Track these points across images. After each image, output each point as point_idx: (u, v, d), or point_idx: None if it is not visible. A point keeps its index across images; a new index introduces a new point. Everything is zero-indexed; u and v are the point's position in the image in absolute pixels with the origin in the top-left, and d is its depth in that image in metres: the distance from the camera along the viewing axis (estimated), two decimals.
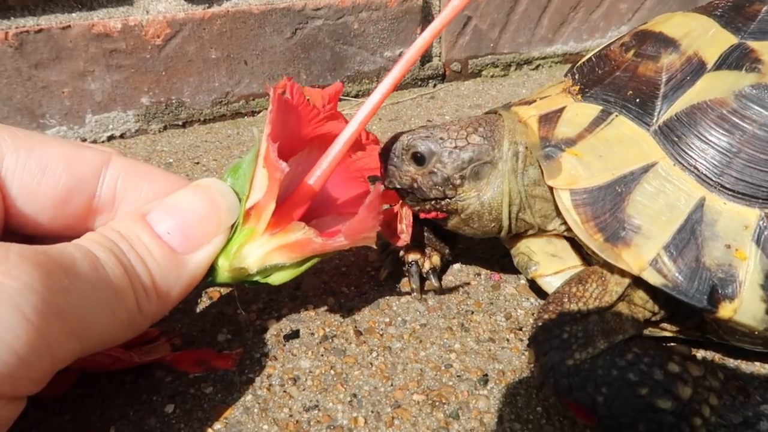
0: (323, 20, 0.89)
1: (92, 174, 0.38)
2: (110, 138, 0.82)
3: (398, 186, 0.46)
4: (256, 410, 0.40)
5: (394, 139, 0.46)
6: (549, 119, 0.45)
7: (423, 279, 0.51)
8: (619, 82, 0.44)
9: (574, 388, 0.36)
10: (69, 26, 0.74)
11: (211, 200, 0.38)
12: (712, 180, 0.39)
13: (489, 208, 0.45)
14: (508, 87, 1.04)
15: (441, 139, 0.44)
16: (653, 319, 0.42)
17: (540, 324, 0.40)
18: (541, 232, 0.47)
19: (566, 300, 0.41)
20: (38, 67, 0.74)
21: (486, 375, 0.42)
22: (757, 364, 0.43)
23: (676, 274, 0.37)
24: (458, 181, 0.44)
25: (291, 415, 0.39)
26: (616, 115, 0.43)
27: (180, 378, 0.42)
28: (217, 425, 0.39)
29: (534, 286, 0.50)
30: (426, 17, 0.98)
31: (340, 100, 0.95)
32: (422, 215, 0.46)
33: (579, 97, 0.46)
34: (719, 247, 0.37)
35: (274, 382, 0.42)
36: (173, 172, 0.72)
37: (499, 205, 0.45)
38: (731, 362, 0.44)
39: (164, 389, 0.41)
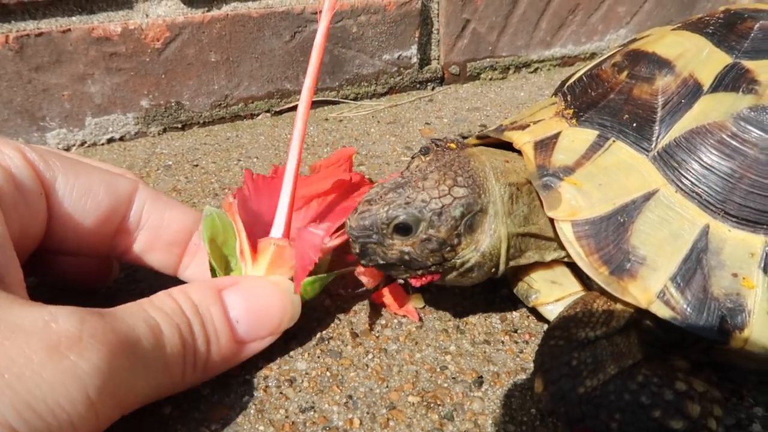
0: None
1: (126, 198, 0.43)
2: (110, 140, 0.83)
3: (383, 263, 0.42)
4: (252, 411, 0.40)
5: (363, 212, 0.41)
6: (545, 146, 0.44)
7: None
8: (614, 105, 0.43)
9: (587, 415, 0.36)
10: (69, 30, 0.75)
11: (283, 304, 0.41)
12: (715, 207, 0.38)
13: (489, 256, 0.42)
14: (507, 90, 1.05)
15: (423, 201, 0.40)
16: (659, 344, 0.41)
17: (546, 350, 0.39)
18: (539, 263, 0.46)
19: (572, 326, 0.39)
20: (38, 70, 0.75)
21: (481, 377, 0.43)
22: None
23: (685, 306, 0.36)
24: (456, 241, 0.41)
25: (287, 417, 0.40)
26: (614, 141, 0.42)
27: None
28: (214, 426, 0.39)
29: (533, 311, 0.50)
30: (424, 20, 0.99)
31: (337, 103, 0.96)
32: (415, 283, 0.44)
33: (574, 121, 0.45)
34: (726, 276, 0.37)
35: (270, 384, 0.42)
36: (172, 175, 0.72)
37: (497, 250, 0.43)
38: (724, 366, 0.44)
39: None
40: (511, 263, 0.44)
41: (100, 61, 0.78)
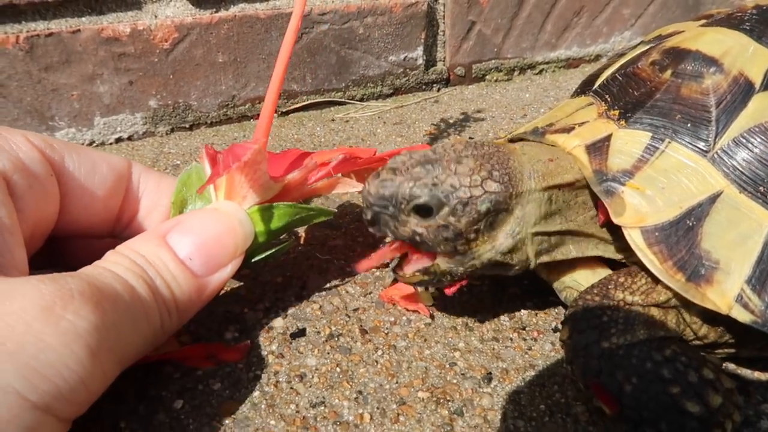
0: (329, 25, 0.90)
1: (126, 172, 0.44)
2: (118, 140, 0.83)
3: (391, 236, 0.41)
4: (263, 406, 0.40)
5: (385, 180, 0.39)
6: (598, 149, 0.42)
7: None
8: (663, 105, 0.42)
9: (603, 371, 0.36)
10: (79, 30, 0.75)
11: (230, 226, 0.41)
12: None
13: (510, 256, 0.41)
14: (512, 91, 1.05)
15: (452, 186, 0.38)
16: (700, 333, 0.41)
17: (581, 303, 0.39)
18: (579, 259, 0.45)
19: (612, 287, 0.40)
20: (48, 70, 0.76)
21: (490, 373, 0.43)
22: (759, 364, 0.44)
23: (764, 309, 0.36)
24: (472, 235, 0.40)
25: (298, 411, 0.40)
26: (669, 142, 0.41)
27: (188, 375, 0.43)
28: (226, 420, 0.39)
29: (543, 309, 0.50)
30: (430, 22, 0.99)
31: (343, 103, 0.96)
32: (447, 291, 0.44)
33: (623, 122, 0.43)
34: None
35: (281, 379, 0.43)
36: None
37: (522, 252, 0.42)
38: (732, 362, 0.44)
39: (173, 385, 0.42)
40: (545, 258, 0.43)
41: (109, 61, 0.78)
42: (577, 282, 0.45)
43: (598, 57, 1.20)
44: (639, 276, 0.41)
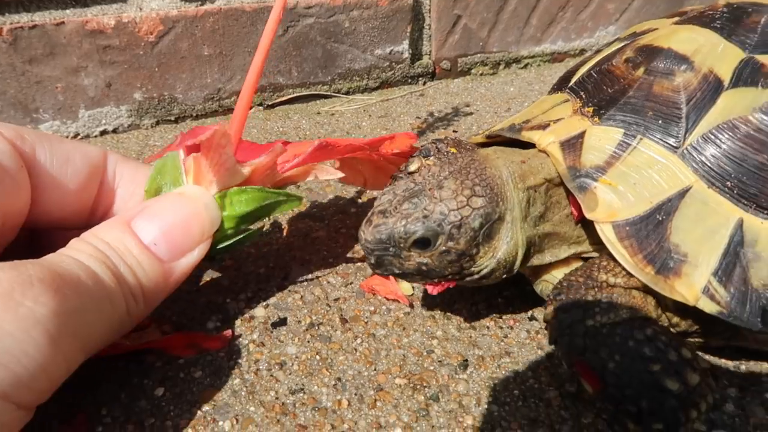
0: (315, 18, 0.91)
1: (101, 162, 0.43)
2: (103, 132, 0.83)
3: (399, 272, 0.42)
4: (243, 393, 0.41)
5: (379, 225, 0.41)
6: (572, 146, 0.43)
7: None
8: (635, 102, 0.43)
9: (588, 349, 0.37)
10: (63, 22, 0.75)
11: (195, 211, 0.41)
12: (747, 200, 0.39)
13: (504, 262, 0.43)
14: (497, 85, 1.06)
15: (441, 214, 0.40)
16: (673, 321, 0.42)
17: (565, 283, 0.40)
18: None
19: (595, 269, 0.41)
20: (32, 62, 0.75)
21: (466, 360, 0.44)
22: (726, 351, 0.45)
23: (729, 300, 0.37)
24: (474, 251, 0.41)
25: (277, 398, 0.41)
26: (641, 138, 0.42)
27: (170, 363, 0.44)
28: (206, 407, 0.40)
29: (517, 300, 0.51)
30: (416, 16, 1.00)
31: (329, 97, 0.97)
32: (431, 290, 0.45)
33: (596, 119, 0.44)
34: (764, 267, 0.38)
35: (261, 367, 0.43)
36: None
37: (513, 255, 0.43)
38: (700, 351, 0.46)
39: (155, 374, 0.43)
40: (527, 264, 0.44)
41: (94, 53, 0.78)
42: (553, 276, 0.46)
43: (582, 51, 1.21)
44: None
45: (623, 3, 1.20)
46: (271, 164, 0.45)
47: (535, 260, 0.45)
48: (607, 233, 0.40)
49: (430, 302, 0.50)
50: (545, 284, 0.47)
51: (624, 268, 0.40)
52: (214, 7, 0.84)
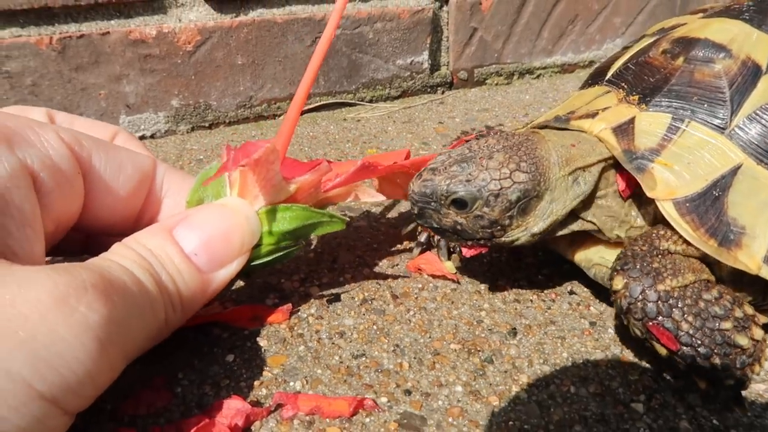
0: (341, 30, 0.95)
1: (150, 171, 0.44)
2: (141, 138, 0.87)
3: (437, 227, 0.46)
4: (309, 358, 0.44)
5: (426, 180, 0.44)
6: (624, 131, 0.46)
7: (450, 252, 0.56)
8: (679, 89, 0.46)
9: (662, 313, 0.39)
10: (108, 32, 0.80)
11: (237, 223, 0.41)
12: None
13: (539, 233, 0.45)
14: (513, 94, 1.10)
15: (483, 181, 0.43)
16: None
17: (629, 253, 0.42)
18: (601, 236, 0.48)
19: (655, 237, 0.43)
20: (78, 70, 0.80)
21: (514, 328, 0.47)
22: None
23: None
24: (507, 221, 0.44)
25: (341, 362, 0.44)
26: (689, 122, 0.44)
27: (236, 334, 0.46)
28: (276, 370, 0.43)
29: (555, 277, 0.54)
30: (435, 28, 1.05)
31: (353, 105, 1.01)
32: (466, 252, 0.48)
33: (643, 106, 0.47)
34: None
35: (323, 336, 0.46)
36: (204, 167, 0.76)
37: (549, 230, 0.45)
38: None
39: (223, 343, 0.45)
40: (568, 229, 0.47)
41: (135, 62, 0.83)
42: (605, 258, 0.48)
43: (591, 63, 1.26)
44: None
45: (629, 17, 1.26)
46: (316, 183, 0.45)
47: (575, 227, 0.47)
48: (669, 210, 0.42)
49: (474, 279, 0.53)
50: (598, 268, 0.48)
51: (682, 237, 0.43)
52: (247, 18, 0.88)
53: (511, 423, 0.38)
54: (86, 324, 0.29)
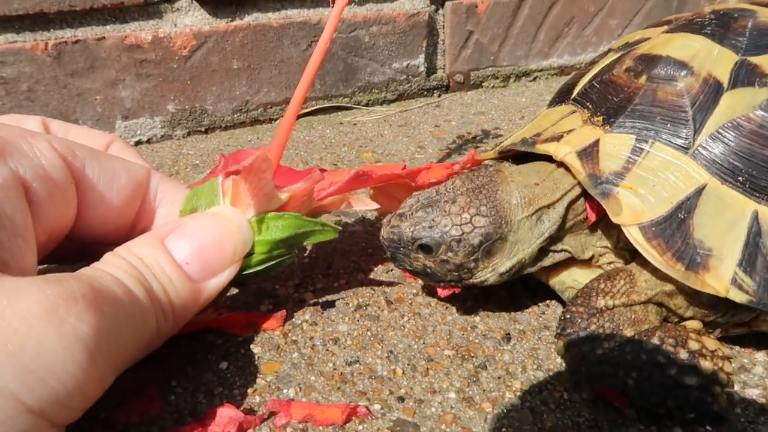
0: (336, 33, 0.95)
1: (144, 181, 0.44)
2: (137, 143, 0.87)
3: (410, 269, 0.47)
4: (302, 365, 0.44)
5: (394, 226, 0.45)
6: (588, 154, 0.45)
7: None
8: (642, 108, 0.45)
9: (606, 374, 0.39)
10: (104, 38, 0.80)
11: (229, 231, 0.41)
12: (759, 193, 0.41)
13: (507, 273, 0.46)
14: (509, 96, 1.11)
15: (445, 226, 0.44)
16: (685, 316, 0.44)
17: (568, 317, 0.42)
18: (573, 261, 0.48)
19: (593, 295, 0.42)
20: (74, 75, 0.80)
21: (508, 334, 0.47)
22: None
23: (756, 288, 0.39)
24: (472, 264, 0.45)
25: (335, 369, 0.44)
26: (653, 142, 0.44)
27: (230, 341, 0.46)
28: (269, 377, 0.43)
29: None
30: (431, 31, 1.05)
31: (350, 108, 1.01)
32: (441, 293, 0.48)
33: (607, 127, 0.46)
34: None
35: (316, 343, 0.46)
36: (200, 172, 0.77)
37: (517, 268, 0.46)
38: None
39: (217, 350, 0.45)
40: (537, 267, 0.47)
41: (131, 67, 0.83)
42: (578, 281, 0.48)
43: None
44: (618, 279, 0.43)
45: (625, 19, 1.26)
46: (308, 191, 0.45)
47: (546, 262, 0.47)
48: (635, 235, 0.41)
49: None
50: (570, 291, 0.48)
51: (622, 286, 0.43)
52: (243, 23, 0.88)
53: (504, 429, 0.38)
54: (76, 335, 0.29)
